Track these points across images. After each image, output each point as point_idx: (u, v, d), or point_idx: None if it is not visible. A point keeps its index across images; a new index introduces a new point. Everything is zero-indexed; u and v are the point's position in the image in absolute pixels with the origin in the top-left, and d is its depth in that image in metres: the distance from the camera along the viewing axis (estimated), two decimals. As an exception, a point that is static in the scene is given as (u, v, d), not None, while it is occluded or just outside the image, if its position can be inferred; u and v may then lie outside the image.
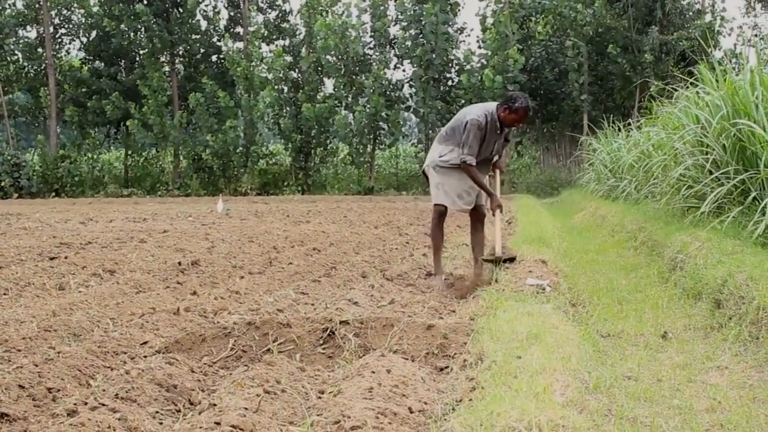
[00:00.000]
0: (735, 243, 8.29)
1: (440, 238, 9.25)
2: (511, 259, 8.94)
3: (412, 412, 4.32)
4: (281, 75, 35.88)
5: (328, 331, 5.95)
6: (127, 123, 36.28)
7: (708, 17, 33.79)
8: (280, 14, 38.67)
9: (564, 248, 11.87)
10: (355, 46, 34.75)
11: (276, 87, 35.69)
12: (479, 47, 35.66)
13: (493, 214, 9.03)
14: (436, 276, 9.00)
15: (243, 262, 10.62)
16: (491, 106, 8.87)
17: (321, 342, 5.90)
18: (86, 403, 4.45)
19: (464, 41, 38.86)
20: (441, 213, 9.13)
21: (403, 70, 36.64)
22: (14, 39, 38.96)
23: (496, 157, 9.15)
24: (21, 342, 6.03)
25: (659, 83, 19.66)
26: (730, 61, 24.53)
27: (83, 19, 38.95)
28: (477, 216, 9.22)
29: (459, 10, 35.71)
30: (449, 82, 35.15)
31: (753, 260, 7.22)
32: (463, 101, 34.35)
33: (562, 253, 11.16)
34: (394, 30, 35.81)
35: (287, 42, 37.57)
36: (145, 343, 6.18)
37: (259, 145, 36.79)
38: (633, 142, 18.14)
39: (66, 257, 10.94)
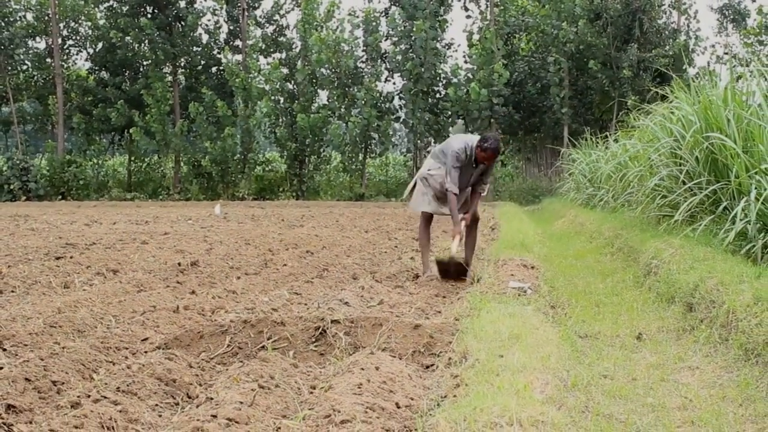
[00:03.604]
0: (706, 250, 8.30)
1: (427, 239, 9.58)
2: (462, 272, 8.98)
3: (399, 407, 4.31)
4: (278, 86, 35.82)
5: (320, 329, 5.94)
6: (131, 130, 36.18)
7: (683, 36, 33.92)
8: (277, 29, 38.68)
9: (544, 253, 11.89)
10: (348, 60, 34.74)
11: (273, 98, 35.63)
12: (466, 62, 35.72)
13: (452, 238, 9.22)
14: (427, 271, 9.32)
15: (240, 264, 10.60)
16: (473, 140, 9.07)
17: (313, 340, 5.90)
18: (89, 396, 4.44)
19: (452, 56, 38.95)
20: (427, 218, 9.52)
21: (394, 83, 36.76)
22: (24, 49, 38.83)
23: (469, 189, 9.34)
24: (27, 337, 6.01)
25: (636, 98, 19.73)
26: (704, 78, 24.62)
27: (90, 31, 38.88)
28: (471, 218, 9.40)
29: (447, 26, 35.76)
30: (437, 95, 35.17)
31: (723, 266, 7.23)
32: (450, 113, 34.47)
33: (543, 257, 11.18)
34: (385, 45, 35.86)
35: (284, 55, 37.53)
36: (145, 339, 6.17)
37: (256, 153, 36.79)
38: (611, 154, 18.17)
39: (71, 257, 10.91)
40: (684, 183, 10.39)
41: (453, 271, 8.99)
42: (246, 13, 37.13)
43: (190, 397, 4.79)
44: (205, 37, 38.61)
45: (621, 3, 32.08)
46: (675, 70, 28.77)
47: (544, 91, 35.32)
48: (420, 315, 7.07)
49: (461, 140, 9.09)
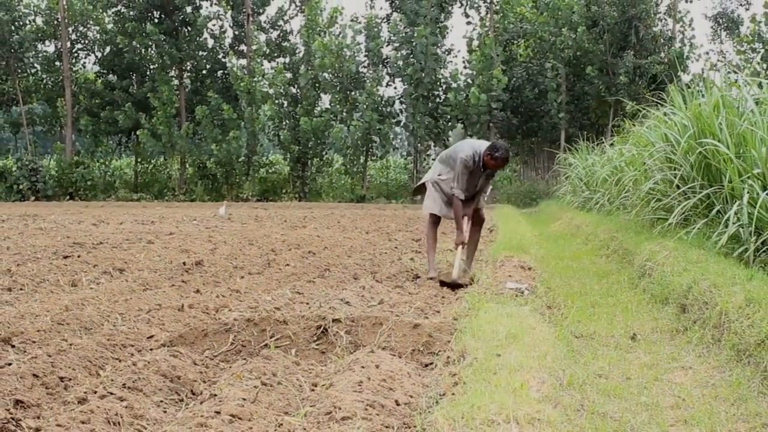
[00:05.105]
0: (700, 252, 8.29)
1: (433, 239, 9.68)
2: (457, 286, 8.68)
3: (398, 405, 4.31)
4: (281, 90, 35.85)
5: (322, 328, 5.94)
6: (138, 132, 36.22)
7: (678, 44, 33.91)
8: (281, 34, 38.68)
9: (541, 255, 11.89)
10: (350, 65, 34.75)
11: (276, 101, 35.67)
12: (465, 67, 35.70)
13: (455, 248, 9.28)
14: (431, 271, 9.39)
15: (243, 263, 10.60)
16: (482, 147, 9.15)
17: (315, 338, 5.90)
18: (96, 392, 4.45)
19: (452, 62, 39.00)
20: (434, 220, 9.64)
21: (395, 88, 36.64)
22: (33, 53, 38.85)
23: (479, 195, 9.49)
24: (36, 334, 6.01)
25: (632, 104, 19.72)
26: (698, 85, 24.66)
27: (98, 36, 38.88)
28: (476, 219, 9.55)
29: (447, 33, 35.76)
30: (437, 100, 35.17)
31: (716, 268, 7.23)
32: (449, 117, 34.48)
33: (540, 259, 11.18)
34: (386, 50, 35.82)
35: (287, 59, 37.55)
36: (151, 337, 6.16)
37: (260, 155, 36.80)
38: (606, 158, 18.15)
39: (79, 256, 10.91)
40: (678, 187, 10.38)
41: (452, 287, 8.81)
42: (250, 19, 37.13)
43: (194, 394, 4.79)
44: (210, 42, 38.64)
45: (617, 10, 32.08)
46: (670, 76, 28.79)
47: (541, 96, 35.34)
48: (419, 314, 7.07)
49: (469, 146, 9.19)
